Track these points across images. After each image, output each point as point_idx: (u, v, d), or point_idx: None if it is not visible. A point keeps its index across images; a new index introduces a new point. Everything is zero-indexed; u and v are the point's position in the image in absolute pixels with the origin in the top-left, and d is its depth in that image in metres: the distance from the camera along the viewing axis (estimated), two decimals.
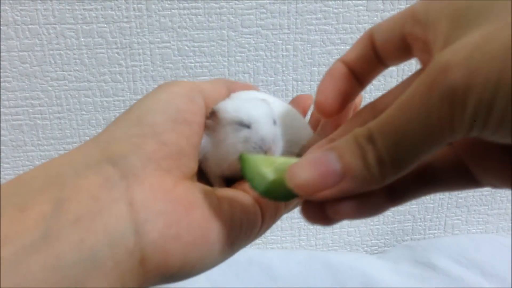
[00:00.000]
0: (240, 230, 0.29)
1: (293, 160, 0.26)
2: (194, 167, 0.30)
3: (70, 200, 0.23)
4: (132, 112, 0.29)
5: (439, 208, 0.84)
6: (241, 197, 0.30)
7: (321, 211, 0.25)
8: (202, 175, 0.33)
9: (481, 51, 0.19)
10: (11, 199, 0.23)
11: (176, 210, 0.26)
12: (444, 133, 0.20)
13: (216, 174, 0.33)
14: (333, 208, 0.24)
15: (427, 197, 0.82)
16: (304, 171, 0.24)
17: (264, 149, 0.31)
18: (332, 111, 0.30)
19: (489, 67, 0.18)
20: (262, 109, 0.32)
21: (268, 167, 0.27)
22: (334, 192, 0.23)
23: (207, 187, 0.30)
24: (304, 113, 0.38)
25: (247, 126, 0.31)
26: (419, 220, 0.84)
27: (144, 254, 0.24)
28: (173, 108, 0.29)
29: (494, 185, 0.25)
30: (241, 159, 0.27)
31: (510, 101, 0.18)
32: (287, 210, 0.34)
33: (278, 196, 0.26)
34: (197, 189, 0.28)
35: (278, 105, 0.36)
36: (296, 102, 0.38)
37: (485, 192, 0.83)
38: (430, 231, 0.85)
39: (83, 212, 0.23)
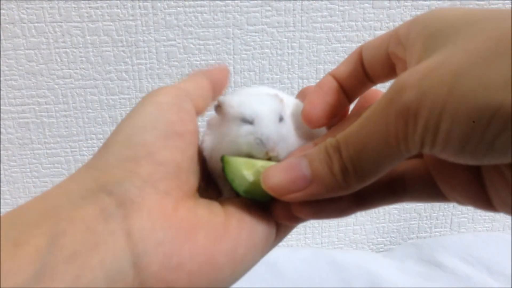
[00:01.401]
0: (252, 245, 0.27)
1: (273, 163, 0.28)
2: (194, 182, 0.28)
3: (66, 234, 0.22)
4: (121, 132, 0.28)
5: (445, 206, 0.83)
6: (252, 208, 0.29)
7: (288, 210, 0.28)
8: (211, 180, 0.32)
9: (431, 75, 0.20)
10: (7, 233, 0.22)
11: (177, 237, 0.25)
12: (400, 147, 0.22)
13: (222, 176, 0.32)
14: (296, 207, 0.27)
15: None
16: (277, 175, 0.26)
17: (267, 149, 0.29)
18: (318, 122, 0.31)
19: (436, 91, 0.20)
20: (267, 105, 0.31)
21: (248, 169, 0.28)
22: (303, 195, 0.25)
23: (213, 203, 0.29)
24: None
25: (250, 122, 0.30)
26: (425, 218, 0.84)
27: None
28: (163, 121, 0.28)
29: (459, 202, 0.26)
30: (223, 160, 0.29)
31: (453, 123, 0.19)
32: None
33: (257, 196, 0.28)
34: (200, 208, 0.27)
35: (291, 102, 0.35)
36: (303, 94, 0.37)
37: None
38: (436, 229, 0.85)
39: (78, 247, 0.22)
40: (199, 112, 0.31)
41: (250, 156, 0.30)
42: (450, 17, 0.23)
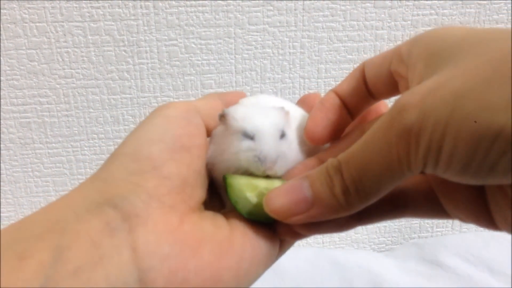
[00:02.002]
0: (255, 260, 0.27)
1: (276, 184, 0.28)
2: (200, 195, 0.28)
3: (70, 248, 0.22)
4: (128, 144, 0.28)
5: None
6: (256, 223, 0.29)
7: (290, 227, 0.28)
8: (214, 190, 0.32)
9: (433, 96, 0.20)
10: (11, 246, 0.22)
11: (182, 252, 0.25)
12: (402, 168, 0.22)
13: (225, 188, 0.32)
14: (297, 225, 0.27)
15: None
16: (279, 198, 0.26)
17: (264, 167, 0.29)
18: (320, 140, 0.31)
19: (438, 112, 0.20)
20: (270, 120, 0.30)
21: (251, 191, 0.28)
22: (305, 217, 0.26)
23: (217, 216, 0.28)
24: None
25: (251, 137, 0.30)
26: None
27: None
28: (170, 135, 0.28)
29: (461, 219, 0.26)
30: (225, 182, 0.29)
31: (456, 145, 0.19)
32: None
33: (261, 218, 0.28)
34: (205, 222, 0.27)
35: (299, 114, 0.34)
36: (304, 102, 0.37)
37: None
38: (438, 229, 0.85)
39: (83, 261, 0.22)
40: (208, 130, 0.31)
41: (249, 171, 0.30)
42: (452, 36, 0.23)
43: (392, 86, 0.29)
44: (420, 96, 0.21)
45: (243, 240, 0.27)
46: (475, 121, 0.19)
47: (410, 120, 0.21)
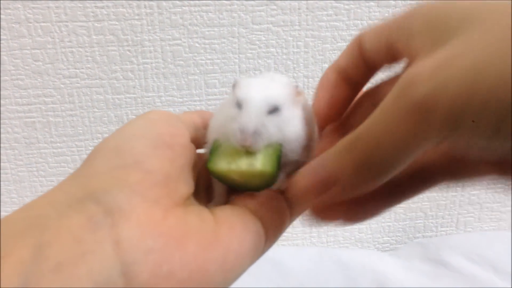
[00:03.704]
0: (242, 253, 0.27)
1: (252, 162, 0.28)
2: (184, 190, 0.28)
3: (51, 244, 0.22)
4: (110, 141, 0.28)
5: (451, 205, 0.83)
6: (242, 215, 0.28)
7: (329, 212, 0.28)
8: (200, 187, 0.32)
9: (447, 69, 0.20)
10: None
11: (167, 245, 0.24)
12: (412, 144, 0.21)
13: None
14: (327, 213, 0.28)
15: (439, 194, 0.82)
16: (300, 182, 0.26)
17: (240, 139, 0.28)
18: (328, 118, 0.31)
19: (457, 84, 0.19)
20: (263, 93, 0.29)
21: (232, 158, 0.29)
22: (325, 199, 0.26)
23: (203, 210, 0.28)
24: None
25: (240, 106, 0.29)
26: (431, 218, 0.84)
27: None
28: (153, 132, 0.28)
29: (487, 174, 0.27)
30: (212, 148, 0.29)
31: (483, 113, 0.19)
32: (292, 221, 0.32)
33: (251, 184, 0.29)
34: (190, 216, 0.26)
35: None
36: None
37: (498, 189, 0.83)
38: (442, 229, 0.85)
39: (65, 257, 0.21)
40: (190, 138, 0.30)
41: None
42: (457, 8, 0.23)
43: (391, 57, 0.28)
44: (430, 70, 0.20)
45: (229, 233, 0.27)
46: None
47: (421, 95, 0.20)
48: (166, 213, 0.25)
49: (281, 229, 0.30)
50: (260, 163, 0.28)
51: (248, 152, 0.28)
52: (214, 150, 0.29)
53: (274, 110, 0.29)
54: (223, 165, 0.29)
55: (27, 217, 0.23)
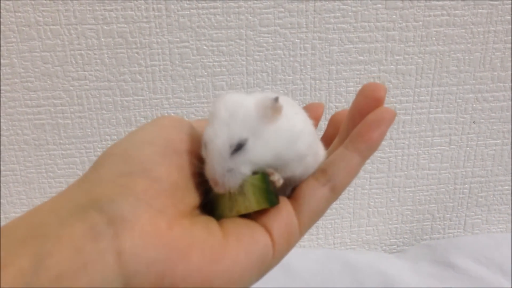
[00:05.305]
0: (249, 266, 0.26)
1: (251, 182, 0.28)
2: (192, 200, 0.27)
3: (52, 254, 0.21)
4: (119, 146, 0.27)
5: (459, 208, 0.83)
6: (250, 228, 0.28)
7: None
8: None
9: None
10: None
11: (170, 257, 0.24)
12: None
13: None
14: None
15: (447, 196, 0.81)
16: None
17: (215, 189, 0.28)
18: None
19: None
20: (223, 131, 0.28)
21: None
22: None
23: (210, 221, 0.27)
24: (316, 122, 0.35)
25: (205, 147, 0.28)
26: (438, 219, 0.83)
27: None
28: (162, 139, 0.27)
29: None
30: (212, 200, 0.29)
31: None
32: (302, 235, 0.31)
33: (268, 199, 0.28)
34: (197, 227, 0.26)
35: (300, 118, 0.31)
36: (308, 109, 0.35)
37: (505, 191, 0.82)
38: (450, 231, 0.85)
39: (65, 268, 0.21)
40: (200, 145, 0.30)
41: None
42: None
43: None
44: None
45: (237, 245, 0.26)
46: None
47: None
48: (172, 223, 0.25)
49: (290, 243, 0.29)
50: (254, 203, 0.28)
51: (239, 192, 0.28)
52: (214, 199, 0.29)
53: (238, 147, 0.28)
54: (226, 213, 0.28)
55: (29, 225, 0.23)
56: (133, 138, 0.28)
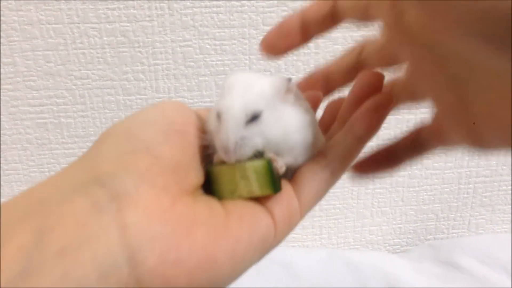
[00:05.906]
0: (252, 244, 0.26)
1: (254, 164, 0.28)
2: (194, 180, 0.27)
3: (54, 229, 0.21)
4: (120, 125, 0.27)
5: (463, 207, 0.82)
6: (252, 208, 0.28)
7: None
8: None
9: None
10: None
11: (175, 232, 0.23)
12: None
13: None
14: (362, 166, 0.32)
15: (451, 196, 0.81)
16: None
17: (225, 159, 0.28)
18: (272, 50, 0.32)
19: None
20: (240, 100, 0.28)
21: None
22: None
23: (212, 200, 0.28)
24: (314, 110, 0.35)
25: (219, 118, 0.28)
26: (442, 219, 0.83)
27: (141, 284, 0.22)
28: (164, 119, 0.27)
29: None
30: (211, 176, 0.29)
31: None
32: (302, 217, 0.31)
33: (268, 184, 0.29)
34: (199, 206, 0.26)
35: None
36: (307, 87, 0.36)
37: (510, 191, 0.82)
38: (454, 231, 0.84)
39: (68, 242, 0.21)
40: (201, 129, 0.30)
41: None
42: None
43: (364, 16, 0.31)
44: None
45: (239, 225, 0.26)
46: None
47: None
48: (175, 200, 0.25)
49: (291, 225, 0.29)
50: (257, 189, 0.28)
51: (242, 176, 0.28)
52: (214, 180, 0.29)
53: (253, 118, 0.28)
54: (227, 195, 0.28)
55: (30, 202, 0.23)
56: (135, 118, 0.27)
